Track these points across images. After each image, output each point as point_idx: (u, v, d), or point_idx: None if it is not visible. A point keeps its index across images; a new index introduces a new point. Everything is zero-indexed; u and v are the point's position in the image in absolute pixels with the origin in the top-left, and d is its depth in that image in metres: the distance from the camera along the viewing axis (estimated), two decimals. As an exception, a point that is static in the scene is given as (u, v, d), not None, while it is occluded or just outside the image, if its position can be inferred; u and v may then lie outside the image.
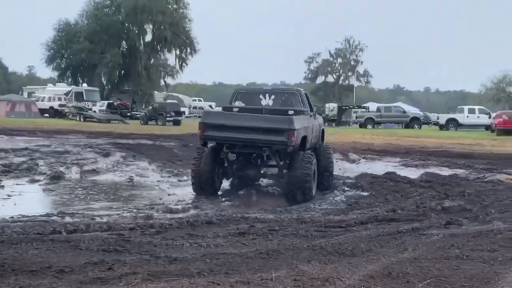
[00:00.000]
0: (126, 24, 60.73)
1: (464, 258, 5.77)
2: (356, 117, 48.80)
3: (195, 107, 64.14)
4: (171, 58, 63.50)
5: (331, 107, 52.41)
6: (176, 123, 40.72)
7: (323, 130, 13.14)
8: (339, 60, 79.82)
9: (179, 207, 9.26)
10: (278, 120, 10.18)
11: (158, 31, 59.77)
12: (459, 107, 47.89)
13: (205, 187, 10.62)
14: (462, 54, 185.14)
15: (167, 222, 7.43)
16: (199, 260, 5.45)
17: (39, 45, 63.44)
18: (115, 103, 49.53)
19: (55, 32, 61.05)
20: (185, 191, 11.21)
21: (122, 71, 61.32)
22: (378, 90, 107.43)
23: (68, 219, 7.73)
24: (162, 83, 66.64)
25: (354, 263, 5.49)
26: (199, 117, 14.97)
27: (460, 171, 15.37)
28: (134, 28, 60.67)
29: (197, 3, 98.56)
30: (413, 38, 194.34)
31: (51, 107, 47.56)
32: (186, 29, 61.29)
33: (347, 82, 79.61)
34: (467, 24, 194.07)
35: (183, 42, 61.32)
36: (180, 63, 62.39)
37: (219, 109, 23.39)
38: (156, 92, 62.52)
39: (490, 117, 41.57)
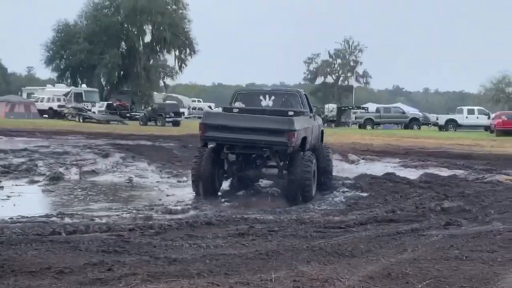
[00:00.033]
0: (126, 25, 60.66)
1: (464, 259, 5.77)
2: (356, 118, 48.83)
3: (194, 108, 64.28)
4: (170, 59, 63.59)
5: (331, 107, 52.33)
6: (176, 124, 40.67)
7: (322, 131, 13.16)
8: (339, 60, 79.71)
9: (179, 208, 9.27)
10: (278, 121, 10.20)
11: (158, 32, 59.73)
12: (458, 107, 47.90)
13: (205, 187, 10.61)
14: (461, 54, 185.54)
15: (166, 223, 7.43)
16: (198, 261, 5.45)
17: (39, 46, 63.52)
18: (114, 104, 49.51)
19: (54, 33, 61.04)
20: (185, 192, 11.22)
21: (121, 72, 61.27)
22: (378, 90, 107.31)
23: (67, 220, 7.74)
24: (162, 84, 66.68)
25: (354, 264, 5.49)
26: (199, 117, 14.97)
27: (459, 172, 15.39)
28: (134, 29, 60.60)
29: (197, 3, 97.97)
30: (412, 39, 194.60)
31: (50, 108, 47.57)
32: (185, 30, 61.24)
33: (346, 82, 79.58)
34: (466, 25, 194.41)
35: (183, 43, 61.30)
36: (179, 64, 62.40)
37: (219, 110, 23.40)
38: (155, 93, 62.52)
39: (489, 117, 41.51)
